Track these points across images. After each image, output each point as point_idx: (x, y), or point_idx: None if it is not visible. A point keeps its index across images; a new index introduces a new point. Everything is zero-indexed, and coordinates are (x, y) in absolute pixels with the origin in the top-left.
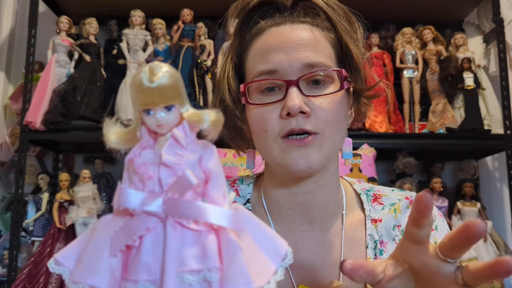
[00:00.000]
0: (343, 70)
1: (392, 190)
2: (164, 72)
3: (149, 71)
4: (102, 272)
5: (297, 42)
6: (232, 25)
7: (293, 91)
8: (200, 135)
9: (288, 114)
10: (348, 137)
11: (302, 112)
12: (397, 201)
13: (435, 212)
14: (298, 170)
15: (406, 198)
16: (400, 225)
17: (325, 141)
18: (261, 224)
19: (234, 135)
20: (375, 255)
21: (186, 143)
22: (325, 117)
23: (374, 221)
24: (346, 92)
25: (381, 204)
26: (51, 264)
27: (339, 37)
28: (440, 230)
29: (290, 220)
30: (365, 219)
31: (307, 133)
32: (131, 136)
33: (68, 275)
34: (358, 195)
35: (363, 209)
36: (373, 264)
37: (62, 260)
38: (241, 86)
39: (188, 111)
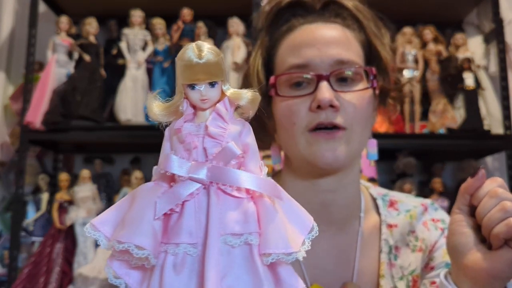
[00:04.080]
0: (373, 68)
1: (407, 197)
2: (210, 49)
3: (196, 48)
4: (146, 233)
5: (328, 39)
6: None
7: (324, 85)
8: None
9: (318, 107)
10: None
11: (332, 106)
12: (412, 208)
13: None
14: (324, 163)
15: (422, 205)
16: (414, 231)
17: (353, 137)
18: (290, 198)
19: (259, 130)
20: (389, 259)
21: (228, 118)
22: (354, 113)
23: (390, 226)
24: (373, 93)
25: (397, 210)
26: (87, 229)
27: (368, 40)
28: None
29: None
30: (380, 224)
31: (336, 126)
32: (173, 109)
33: (104, 241)
34: (374, 199)
35: (378, 213)
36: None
37: (98, 226)
38: (271, 78)
39: (230, 89)
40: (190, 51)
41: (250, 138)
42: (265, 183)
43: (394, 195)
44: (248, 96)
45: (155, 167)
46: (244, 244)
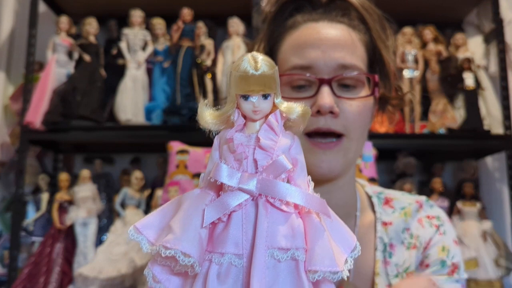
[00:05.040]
0: (376, 76)
1: (402, 194)
2: (265, 61)
3: (252, 59)
4: (192, 241)
5: (334, 41)
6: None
7: (326, 90)
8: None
9: (318, 112)
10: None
11: (331, 113)
12: (407, 205)
13: (444, 217)
14: (320, 174)
15: (417, 202)
16: (409, 229)
17: (350, 145)
18: (335, 216)
19: None
20: (384, 257)
21: (278, 131)
22: (353, 120)
23: (385, 224)
24: (373, 99)
25: (392, 207)
26: (131, 232)
27: (373, 42)
28: (448, 235)
29: None
30: (375, 222)
31: (333, 133)
32: (225, 118)
33: (147, 244)
34: (369, 197)
35: (373, 211)
36: None
37: (142, 229)
38: None
39: (282, 102)
40: (246, 62)
41: (299, 153)
42: (313, 199)
43: (390, 193)
44: (299, 111)
45: (202, 174)
46: (290, 259)
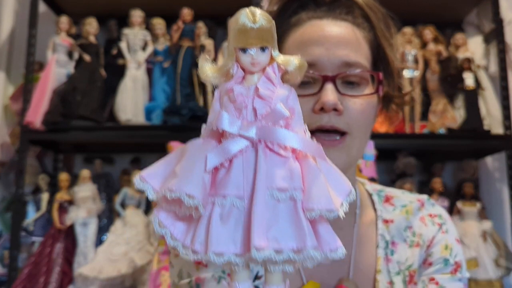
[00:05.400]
0: (381, 73)
1: (403, 193)
2: (263, 15)
3: (250, 13)
4: (196, 184)
5: (338, 39)
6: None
7: (329, 87)
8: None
9: (322, 109)
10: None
11: (335, 110)
12: (408, 203)
13: (445, 215)
14: None
15: (418, 200)
16: (411, 227)
17: (353, 143)
18: (331, 163)
19: None
20: (386, 254)
21: (276, 82)
22: (356, 118)
23: (386, 221)
24: (377, 97)
25: (392, 205)
26: (137, 181)
27: (377, 40)
28: (450, 233)
29: None
30: (376, 219)
31: (337, 131)
32: (224, 71)
33: (152, 192)
34: (370, 195)
35: (374, 209)
36: None
37: (147, 178)
38: None
39: (279, 55)
40: (244, 16)
41: (296, 103)
42: (310, 143)
43: (390, 191)
44: (296, 63)
45: (204, 125)
46: (289, 199)
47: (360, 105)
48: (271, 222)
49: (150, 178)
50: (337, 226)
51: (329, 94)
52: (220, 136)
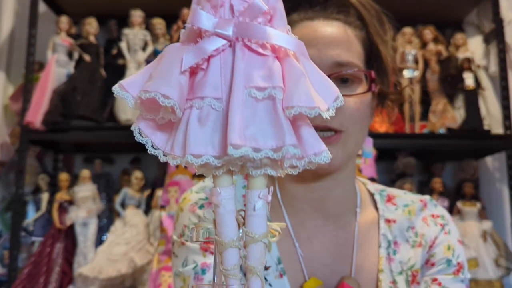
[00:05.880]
0: (373, 72)
1: (405, 193)
2: None
3: None
4: (172, 85)
5: (329, 39)
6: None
7: None
8: None
9: None
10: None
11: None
12: (410, 203)
13: (448, 216)
14: (319, 167)
15: (421, 200)
16: (414, 227)
17: (348, 140)
18: (316, 68)
19: None
20: (388, 254)
21: None
22: (351, 116)
23: (388, 221)
24: (372, 94)
25: (395, 204)
26: (116, 89)
27: (370, 38)
28: (452, 234)
29: (304, 214)
30: (379, 219)
31: (331, 130)
32: None
33: (132, 101)
34: (371, 195)
35: (376, 209)
36: None
37: (127, 86)
38: None
39: None
40: None
41: (279, 3)
42: (291, 39)
43: (392, 190)
44: None
45: (182, 30)
46: (268, 98)
47: (354, 103)
48: (249, 121)
49: (129, 87)
50: (337, 225)
51: None
52: (198, 37)
